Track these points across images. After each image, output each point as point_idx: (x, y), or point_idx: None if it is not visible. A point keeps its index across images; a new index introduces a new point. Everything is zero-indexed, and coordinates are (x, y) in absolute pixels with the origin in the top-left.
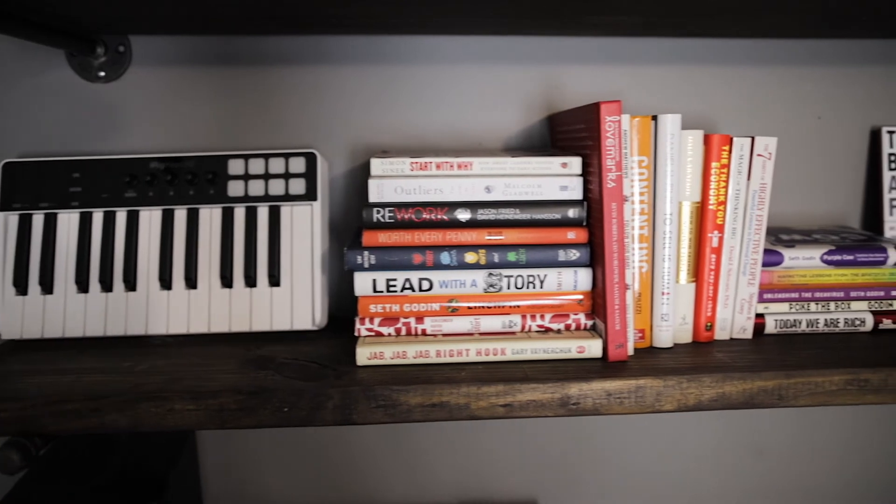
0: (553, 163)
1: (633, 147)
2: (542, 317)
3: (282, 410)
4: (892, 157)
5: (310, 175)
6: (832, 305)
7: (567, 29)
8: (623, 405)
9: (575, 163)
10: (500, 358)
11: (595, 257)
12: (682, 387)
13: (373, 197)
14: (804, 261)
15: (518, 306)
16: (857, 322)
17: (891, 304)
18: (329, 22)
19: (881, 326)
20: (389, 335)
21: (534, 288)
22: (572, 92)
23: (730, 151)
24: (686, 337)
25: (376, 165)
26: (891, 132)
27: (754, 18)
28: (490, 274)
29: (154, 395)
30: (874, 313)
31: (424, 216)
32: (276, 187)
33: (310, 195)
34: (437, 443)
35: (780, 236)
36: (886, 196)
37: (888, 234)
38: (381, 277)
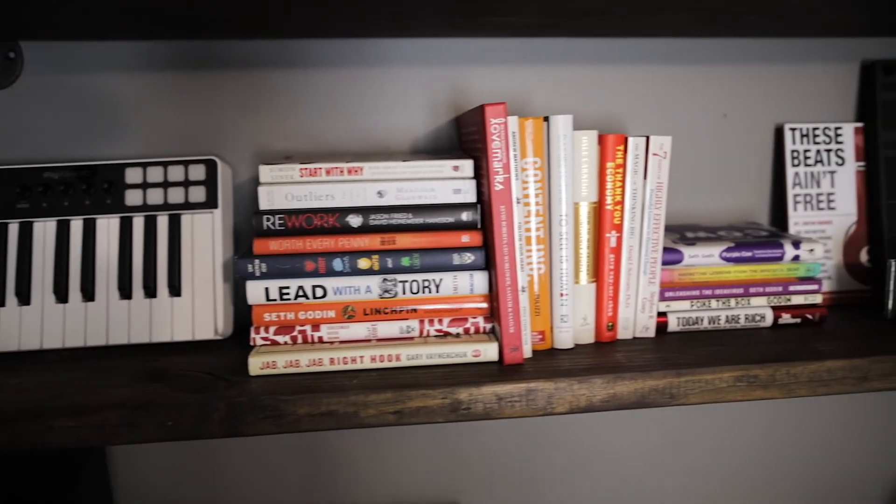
0: (445, 166)
1: (527, 148)
2: (441, 321)
3: (166, 424)
4: (795, 154)
5: (210, 182)
6: (732, 302)
7: (466, 30)
8: (514, 408)
9: (467, 165)
10: (396, 364)
11: (489, 260)
12: (573, 389)
13: (263, 204)
14: (704, 258)
15: (415, 311)
16: (758, 318)
17: (789, 299)
18: (229, 26)
19: (781, 321)
20: (286, 343)
21: (430, 292)
22: (479, 93)
23: (625, 151)
24: (588, 337)
25: (265, 172)
26: (793, 129)
27: (635, 20)
28: (385, 279)
29: (33, 412)
30: (774, 308)
31: (315, 223)
32: (176, 195)
33: (210, 203)
34: (361, 445)
35: (685, 234)
36: (790, 192)
37: (793, 229)
38: (274, 286)
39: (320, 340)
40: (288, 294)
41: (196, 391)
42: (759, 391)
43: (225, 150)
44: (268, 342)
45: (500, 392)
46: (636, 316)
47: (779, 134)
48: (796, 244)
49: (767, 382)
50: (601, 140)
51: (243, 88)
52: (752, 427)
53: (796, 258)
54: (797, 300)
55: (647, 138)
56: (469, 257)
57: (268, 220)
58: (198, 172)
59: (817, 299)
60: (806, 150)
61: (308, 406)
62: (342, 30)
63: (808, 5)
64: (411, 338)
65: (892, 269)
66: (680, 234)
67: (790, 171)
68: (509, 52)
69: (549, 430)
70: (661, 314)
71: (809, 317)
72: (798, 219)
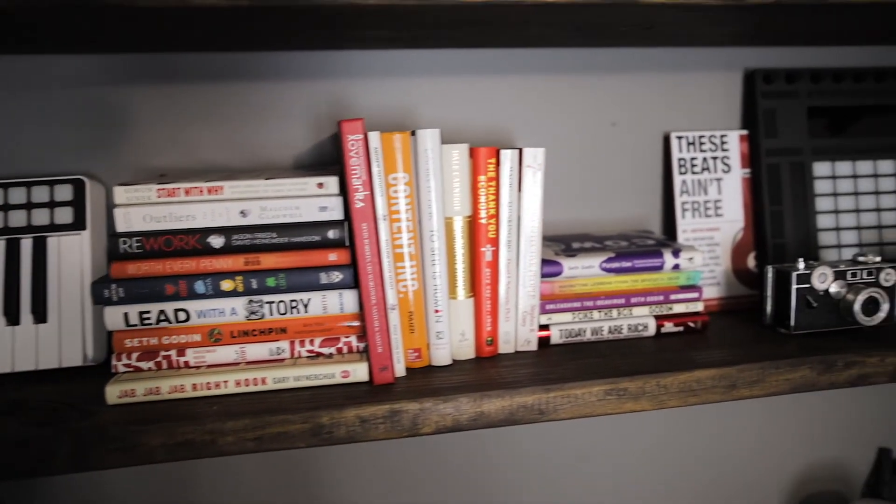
0: (309, 183)
1: (396, 163)
2: (312, 342)
3: (7, 462)
4: (682, 162)
5: (78, 203)
6: (614, 312)
7: (344, 42)
8: (379, 431)
9: (332, 182)
10: (262, 388)
11: (358, 279)
12: (438, 409)
13: (120, 226)
14: (584, 270)
15: (285, 332)
16: (641, 327)
17: (671, 308)
18: (109, 41)
19: (663, 330)
20: (150, 370)
21: (298, 313)
22: (363, 106)
23: (497, 164)
24: (468, 353)
25: (120, 194)
26: (679, 137)
27: (502, 33)
28: (250, 301)
29: None
30: (656, 317)
31: (175, 244)
32: (41, 217)
33: (78, 224)
34: (326, 458)
35: (571, 245)
36: (678, 200)
37: (681, 237)
38: (134, 310)
39: (186, 365)
40: (149, 319)
41: (45, 424)
42: (630, 403)
43: (97, 168)
44: (131, 369)
45: (364, 414)
46: (517, 330)
47: (666, 142)
48: (676, 253)
49: (637, 394)
50: (473, 153)
51: (122, 104)
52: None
53: (676, 267)
54: (679, 308)
55: (521, 151)
56: (337, 276)
57: (124, 242)
58: (64, 193)
59: (699, 307)
60: (692, 158)
61: (162, 436)
62: (223, 44)
63: (670, 19)
64: (282, 359)
65: (769, 275)
66: (566, 244)
67: (677, 179)
68: (394, 63)
69: (503, 440)
70: (544, 327)
71: (692, 324)
72: (686, 226)
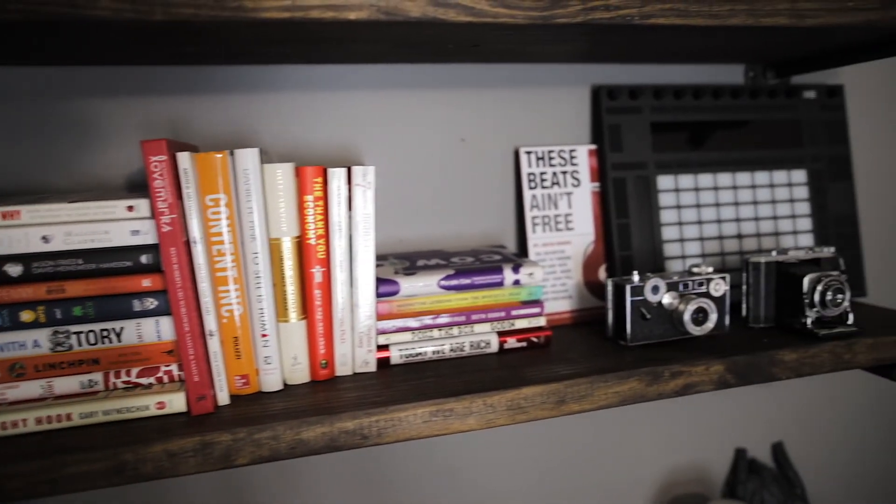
0: (118, 206)
1: (217, 184)
2: (129, 372)
3: None
4: (532, 177)
5: None
6: (455, 330)
7: (176, 58)
8: (189, 464)
9: (143, 205)
10: (67, 424)
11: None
12: (253, 438)
13: None
14: (422, 288)
15: (97, 363)
16: (483, 344)
17: (513, 324)
18: None
19: (506, 346)
20: None
21: (111, 342)
22: (201, 125)
23: (325, 183)
24: (302, 377)
25: None
26: (528, 152)
27: (332, 48)
28: (56, 332)
29: None
30: (499, 334)
31: None
32: None
33: None
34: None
35: (416, 262)
36: (528, 214)
37: (532, 251)
38: None
39: None
40: None
41: None
42: (456, 423)
43: None
44: None
45: (172, 448)
46: (354, 351)
47: (517, 157)
48: (516, 268)
49: (464, 414)
50: (299, 173)
51: None
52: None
53: (517, 283)
54: (521, 324)
55: (349, 169)
56: (152, 302)
57: None
58: None
59: (541, 322)
60: (542, 173)
61: None
62: (43, 57)
63: (491, 38)
64: (95, 392)
65: (609, 288)
66: (412, 262)
67: (527, 194)
68: (234, 81)
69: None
70: (384, 347)
71: (535, 339)
72: (537, 240)
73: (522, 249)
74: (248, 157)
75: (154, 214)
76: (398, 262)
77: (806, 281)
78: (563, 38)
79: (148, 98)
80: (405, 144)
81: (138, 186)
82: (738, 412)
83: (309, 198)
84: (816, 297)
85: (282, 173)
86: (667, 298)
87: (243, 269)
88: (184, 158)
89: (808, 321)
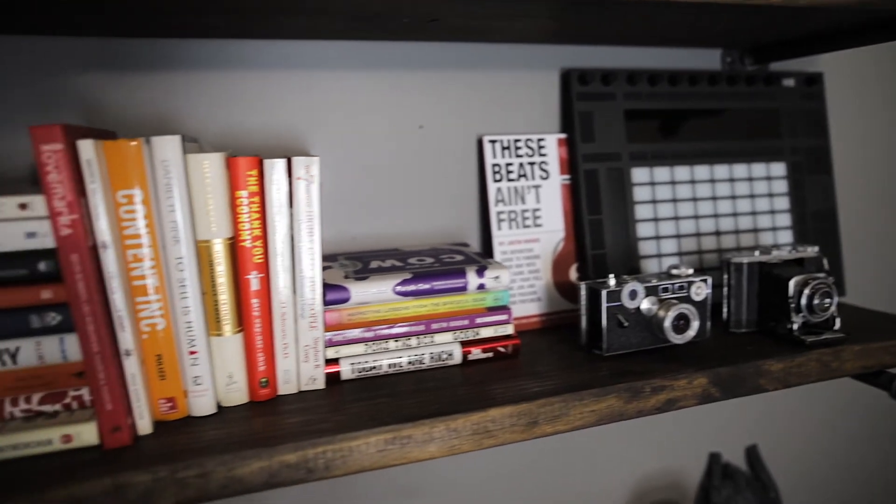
0: (7, 203)
1: (129, 178)
2: (29, 399)
3: None
4: (497, 168)
5: None
6: (413, 341)
7: (82, 28)
8: None
9: (38, 202)
10: None
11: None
12: (176, 478)
13: None
14: (375, 294)
15: None
16: (445, 356)
17: (478, 333)
18: None
19: (470, 357)
20: None
21: (4, 365)
22: (115, 108)
23: (261, 176)
24: (239, 398)
25: None
26: (493, 141)
27: (266, 20)
28: None
29: None
30: (462, 343)
31: None
32: None
33: None
34: None
35: (369, 264)
36: (493, 209)
37: (497, 249)
38: None
39: None
40: None
41: None
42: (416, 451)
43: None
44: None
45: (77, 494)
46: (299, 367)
47: (480, 146)
48: (481, 271)
49: (424, 441)
50: (230, 165)
51: None
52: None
53: (482, 287)
54: (487, 332)
55: (289, 160)
56: (54, 317)
57: None
58: None
59: (509, 330)
60: (508, 164)
61: None
62: None
63: (449, 11)
64: None
65: (582, 292)
66: (365, 263)
67: (492, 187)
68: (155, 55)
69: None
70: (333, 361)
71: (502, 349)
72: (503, 238)
73: (486, 247)
74: (167, 146)
75: (51, 215)
76: (349, 263)
77: (792, 284)
78: (529, 13)
79: (47, 74)
80: (357, 131)
81: None
82: (712, 416)
83: (242, 193)
84: (803, 302)
85: (209, 165)
86: (645, 304)
87: (165, 276)
88: (86, 147)
89: (794, 327)
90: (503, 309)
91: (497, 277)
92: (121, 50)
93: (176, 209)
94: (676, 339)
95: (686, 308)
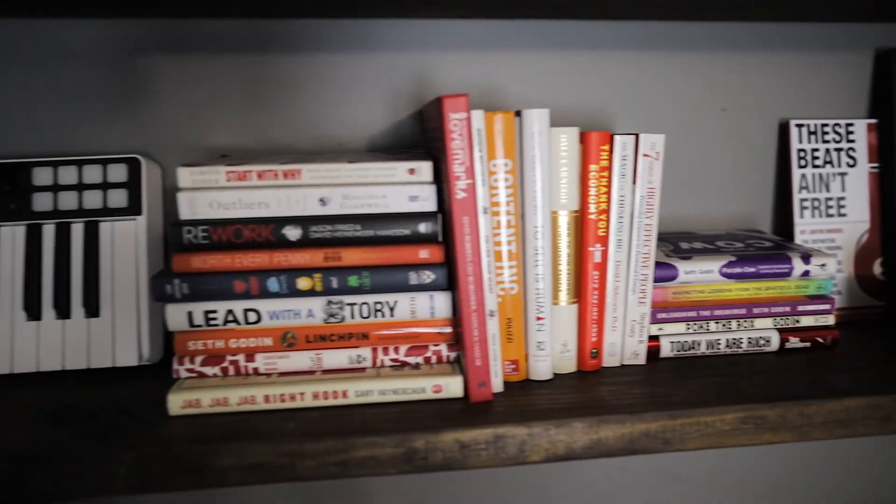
0: (398, 168)
1: (496, 149)
2: (397, 350)
3: (58, 483)
4: (802, 154)
5: (133, 185)
6: (734, 324)
7: (426, 9)
8: (480, 458)
9: (425, 168)
10: (342, 402)
11: (452, 280)
12: (549, 434)
13: (184, 213)
14: (701, 274)
15: (367, 338)
16: (762, 341)
17: (797, 321)
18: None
19: (788, 345)
20: (215, 375)
21: (383, 317)
22: (444, 82)
23: (611, 152)
24: (569, 366)
25: (184, 176)
26: (800, 126)
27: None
28: (329, 302)
29: None
30: (780, 331)
31: (246, 235)
32: (93, 200)
33: (133, 209)
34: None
35: (679, 245)
36: (796, 196)
37: (799, 238)
38: (199, 309)
39: (255, 372)
40: (215, 319)
41: (101, 438)
42: (768, 434)
43: (157, 147)
44: (194, 374)
45: (464, 439)
46: (624, 341)
47: (783, 131)
48: (806, 258)
49: (777, 424)
50: (583, 139)
51: (177, 77)
52: (761, 467)
53: (806, 274)
54: (806, 321)
55: (637, 137)
56: (429, 276)
57: (189, 231)
58: (118, 173)
59: (829, 321)
60: (814, 150)
61: (234, 457)
62: (287, 8)
63: None
64: (362, 369)
65: None
66: (674, 244)
67: (796, 173)
68: (480, 35)
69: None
70: (653, 338)
71: (820, 340)
72: (805, 226)
73: (782, 235)
74: (536, 119)
75: (448, 179)
76: (660, 243)
77: None
78: None
79: (388, 53)
80: (658, 112)
81: (380, 149)
82: None
83: (594, 167)
84: None
85: (566, 139)
86: None
87: (522, 244)
88: (477, 118)
89: None
90: (825, 298)
91: (823, 265)
92: (451, 29)
93: (537, 180)
94: None
95: None
